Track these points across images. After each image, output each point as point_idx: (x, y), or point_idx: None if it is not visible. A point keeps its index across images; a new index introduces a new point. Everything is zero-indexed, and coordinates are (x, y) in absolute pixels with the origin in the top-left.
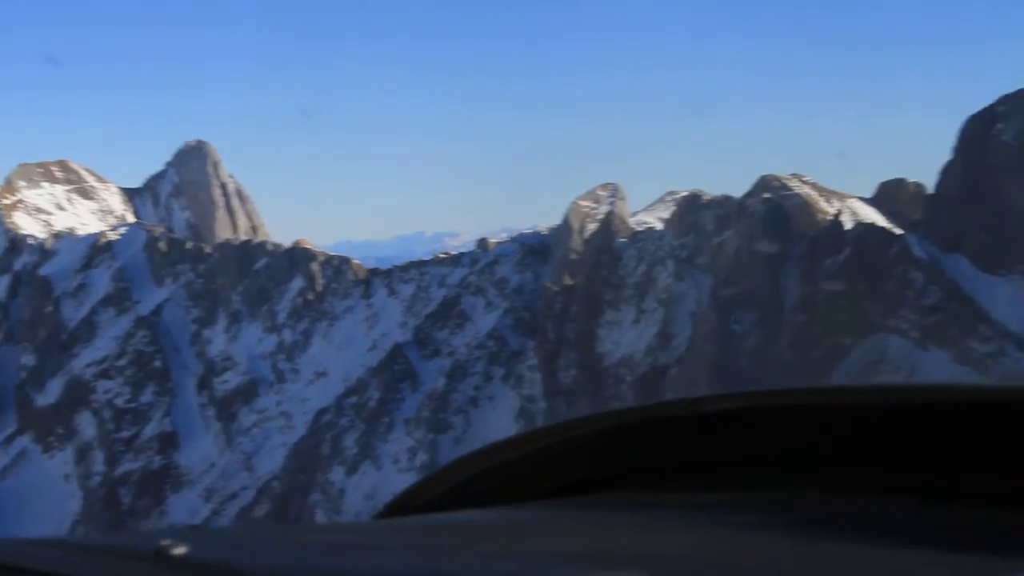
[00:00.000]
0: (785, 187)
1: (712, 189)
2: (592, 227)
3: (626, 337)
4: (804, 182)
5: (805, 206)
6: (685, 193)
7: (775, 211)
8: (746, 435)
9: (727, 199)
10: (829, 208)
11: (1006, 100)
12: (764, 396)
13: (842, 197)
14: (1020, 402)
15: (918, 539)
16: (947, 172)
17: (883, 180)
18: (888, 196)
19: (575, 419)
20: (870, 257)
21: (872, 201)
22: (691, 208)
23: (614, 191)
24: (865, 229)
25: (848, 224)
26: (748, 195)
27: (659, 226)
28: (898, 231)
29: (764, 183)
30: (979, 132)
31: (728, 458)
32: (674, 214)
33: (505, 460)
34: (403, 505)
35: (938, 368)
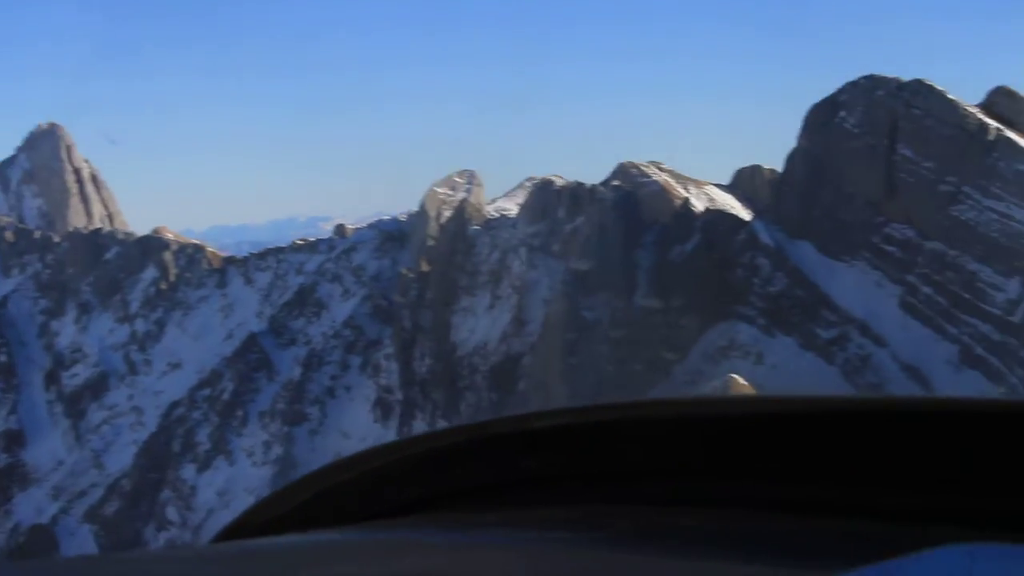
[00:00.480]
0: (643, 174)
1: (578, 176)
2: (449, 214)
3: (480, 325)
4: (662, 169)
5: (662, 193)
6: (532, 180)
7: (626, 198)
8: (574, 450)
9: (579, 186)
10: (686, 195)
11: (849, 88)
12: (593, 411)
13: (699, 184)
14: (834, 412)
15: (736, 549)
16: (792, 159)
17: (740, 167)
18: (744, 182)
19: (411, 438)
20: (718, 244)
21: (729, 188)
22: (544, 195)
23: (470, 178)
24: (713, 216)
25: (701, 211)
26: (604, 182)
27: (516, 213)
28: (746, 217)
29: (622, 170)
30: (823, 119)
31: (556, 475)
32: (527, 201)
33: (341, 481)
34: (240, 528)
35: (784, 354)
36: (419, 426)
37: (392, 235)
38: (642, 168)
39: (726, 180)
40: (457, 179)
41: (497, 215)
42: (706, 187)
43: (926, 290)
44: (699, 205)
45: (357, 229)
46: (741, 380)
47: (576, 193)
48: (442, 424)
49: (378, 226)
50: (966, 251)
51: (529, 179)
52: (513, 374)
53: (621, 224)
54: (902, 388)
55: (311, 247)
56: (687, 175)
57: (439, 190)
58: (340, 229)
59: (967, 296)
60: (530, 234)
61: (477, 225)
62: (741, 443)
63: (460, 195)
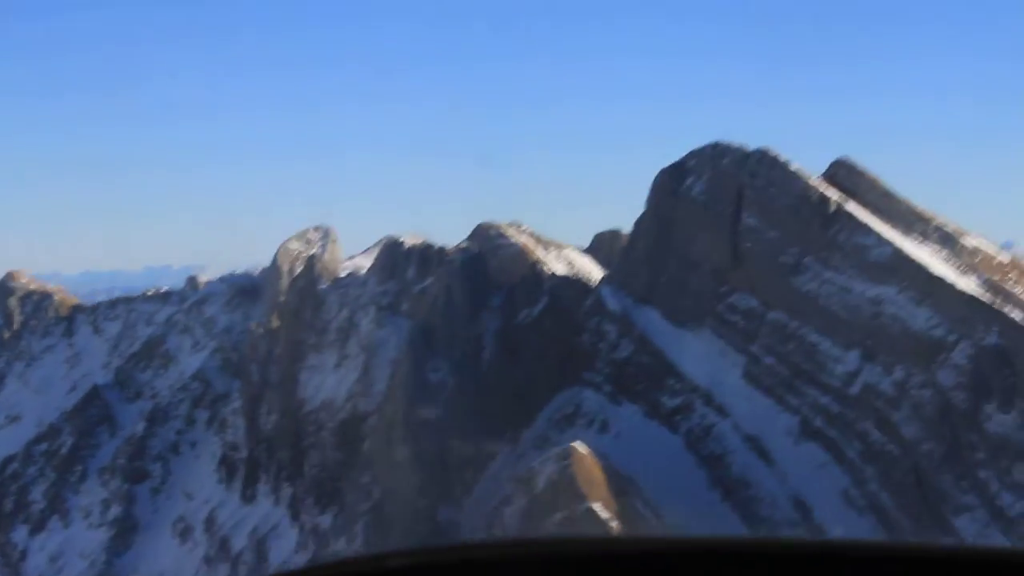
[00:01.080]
0: (502, 235)
1: (440, 235)
2: (299, 268)
3: (328, 382)
4: (521, 231)
5: (520, 255)
6: (386, 239)
7: (474, 259)
8: None
9: (428, 246)
10: (545, 258)
11: (696, 155)
12: (451, 551)
13: (559, 247)
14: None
15: None
16: (640, 225)
17: (599, 231)
18: (603, 246)
19: None
20: (565, 308)
21: (589, 251)
22: (393, 254)
23: (325, 234)
24: (561, 280)
25: (561, 274)
26: (461, 243)
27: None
28: (594, 283)
29: (480, 231)
30: (670, 186)
31: None
32: (377, 260)
33: None
34: None
35: (629, 422)
36: (263, 489)
37: (244, 289)
38: (501, 229)
39: (583, 243)
40: (311, 235)
41: (350, 273)
42: (565, 250)
43: (768, 360)
44: (558, 268)
45: (209, 282)
46: (582, 449)
47: (425, 253)
48: (286, 487)
49: (230, 279)
50: (807, 322)
51: (389, 237)
52: (358, 434)
53: (468, 286)
54: (743, 459)
55: (163, 298)
56: (547, 238)
57: (292, 245)
58: (193, 281)
59: (807, 367)
60: (379, 293)
61: (327, 282)
62: None
63: (314, 251)
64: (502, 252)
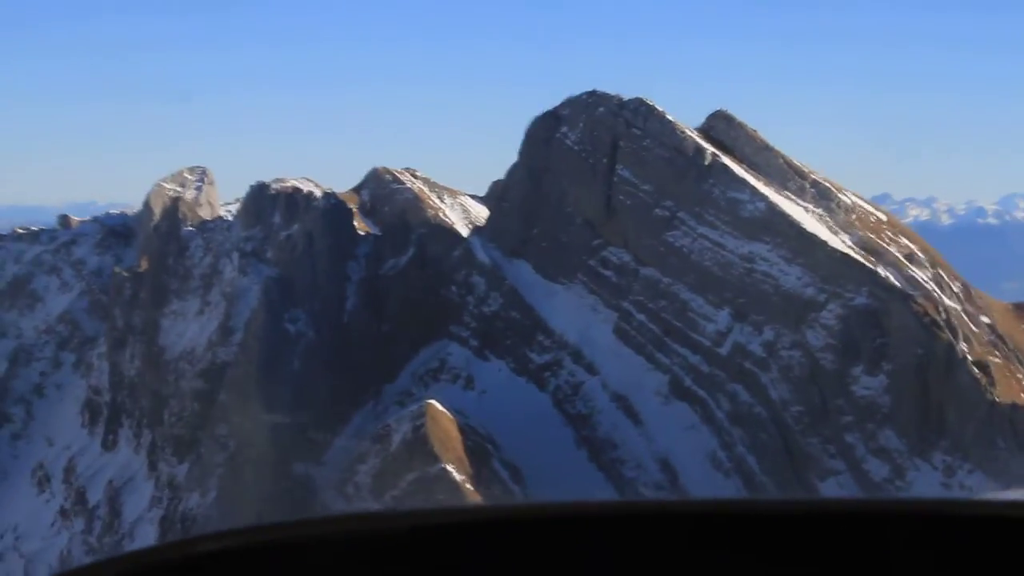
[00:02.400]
0: (397, 180)
1: (337, 181)
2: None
3: (190, 330)
4: (416, 177)
5: (415, 201)
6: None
7: (339, 206)
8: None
9: (296, 191)
10: (439, 205)
11: (570, 103)
12: (255, 532)
13: (454, 194)
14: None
15: None
16: (512, 175)
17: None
18: (499, 194)
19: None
20: (433, 259)
21: (484, 199)
22: (260, 199)
23: (202, 175)
24: (430, 230)
25: (459, 222)
26: (358, 187)
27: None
28: (464, 233)
29: (375, 176)
30: (544, 135)
31: None
32: (243, 204)
33: None
34: None
35: (496, 378)
36: (125, 434)
37: (116, 230)
38: (396, 174)
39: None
40: (187, 175)
41: (219, 217)
42: (461, 197)
43: (640, 317)
44: (453, 217)
45: (82, 222)
46: (439, 406)
47: (292, 198)
48: (146, 435)
49: (102, 220)
50: (679, 279)
51: (277, 180)
52: (218, 383)
53: (332, 233)
54: (610, 419)
55: (33, 236)
56: (443, 184)
57: (167, 186)
58: (65, 220)
59: (679, 325)
60: (243, 239)
61: (191, 226)
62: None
63: (190, 192)
64: (396, 197)
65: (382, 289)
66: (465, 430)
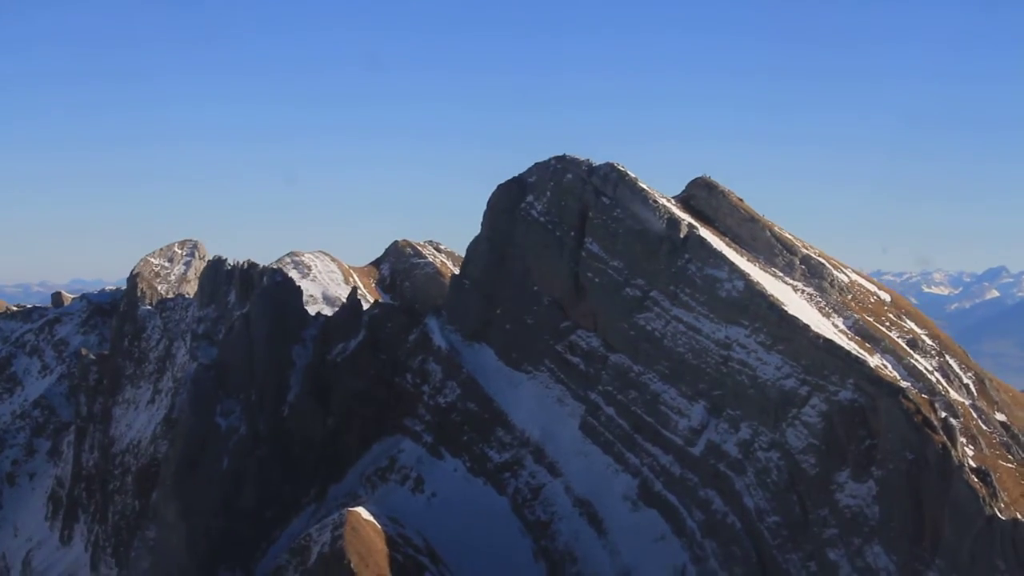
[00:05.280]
0: (418, 253)
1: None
2: (163, 287)
3: (139, 420)
4: (439, 250)
5: (436, 275)
6: (212, 258)
7: (285, 284)
8: None
9: (252, 266)
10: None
11: (537, 169)
12: None
13: None
14: None
15: None
16: (474, 249)
17: None
18: None
19: None
20: (385, 343)
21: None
22: (215, 276)
23: (193, 248)
24: (382, 311)
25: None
26: (378, 260)
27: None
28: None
29: (396, 249)
30: (507, 204)
31: None
32: (201, 281)
33: None
34: None
35: (449, 480)
36: (80, 528)
37: (103, 308)
38: (418, 247)
39: None
40: (177, 249)
41: (179, 295)
42: None
43: (608, 411)
44: None
45: (73, 299)
46: (365, 515)
47: (247, 275)
48: (97, 529)
49: (88, 297)
50: (651, 367)
51: (291, 254)
52: (155, 482)
53: (275, 315)
54: (572, 526)
55: (25, 315)
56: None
57: (153, 260)
58: (58, 297)
59: (650, 420)
60: (197, 319)
61: (149, 305)
62: None
63: (178, 267)
64: (417, 272)
65: (328, 377)
66: (396, 542)
